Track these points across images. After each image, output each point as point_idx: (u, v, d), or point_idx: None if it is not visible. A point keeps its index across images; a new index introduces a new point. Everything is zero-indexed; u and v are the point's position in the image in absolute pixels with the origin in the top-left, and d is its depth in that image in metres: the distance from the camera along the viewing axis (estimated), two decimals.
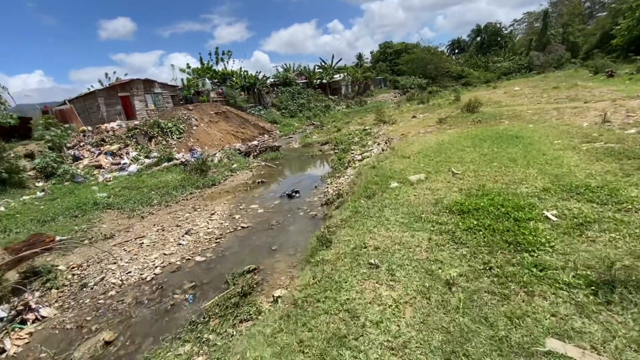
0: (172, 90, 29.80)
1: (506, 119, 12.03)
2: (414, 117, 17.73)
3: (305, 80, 39.52)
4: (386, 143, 12.21)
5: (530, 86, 23.60)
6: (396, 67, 51.40)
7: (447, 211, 4.32)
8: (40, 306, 5.40)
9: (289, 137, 23.28)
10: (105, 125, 20.17)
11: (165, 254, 6.77)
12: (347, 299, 2.72)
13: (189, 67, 33.46)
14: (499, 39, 56.65)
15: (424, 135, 11.50)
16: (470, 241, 3.46)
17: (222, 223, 8.14)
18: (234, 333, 3.98)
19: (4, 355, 4.48)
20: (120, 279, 6.00)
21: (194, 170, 13.41)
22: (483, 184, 5.20)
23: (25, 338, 4.80)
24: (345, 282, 2.99)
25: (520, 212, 3.84)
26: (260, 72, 34.24)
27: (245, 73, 33.74)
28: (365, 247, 3.67)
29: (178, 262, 6.41)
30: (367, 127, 18.29)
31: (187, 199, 10.89)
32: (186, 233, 7.67)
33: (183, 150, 17.93)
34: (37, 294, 5.84)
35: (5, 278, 5.68)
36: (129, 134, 18.89)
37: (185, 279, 5.81)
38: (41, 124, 18.05)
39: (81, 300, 5.59)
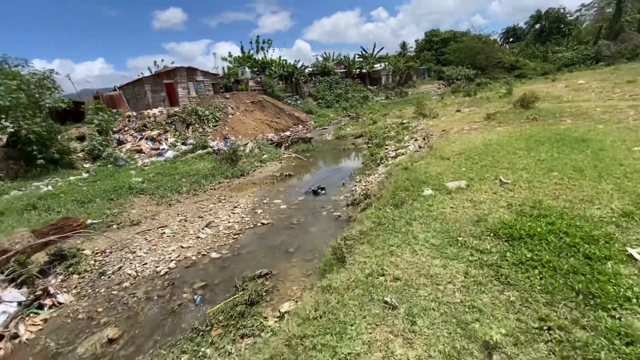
0: (213, 78, 30.43)
1: (568, 117, 10.43)
2: (458, 111, 16.27)
3: (344, 70, 38.48)
4: (424, 140, 11.19)
5: (598, 79, 20.69)
6: (442, 57, 48.23)
7: (492, 235, 3.50)
8: (59, 292, 5.46)
9: (323, 129, 22.72)
10: (148, 111, 21.00)
11: (182, 247, 6.63)
12: (350, 353, 2.13)
13: (230, 55, 33.95)
14: (561, 26, 50.84)
15: (469, 132, 10.32)
16: (522, 282, 2.65)
17: (243, 217, 7.87)
18: (232, 351, 3.61)
19: (17, 341, 4.53)
20: (135, 270, 5.93)
21: (224, 159, 13.39)
22: (540, 199, 4.26)
23: (39, 324, 4.83)
24: (351, 326, 2.38)
25: (592, 246, 2.92)
26: (299, 61, 33.89)
27: (284, 62, 33.52)
28: (382, 275, 3.02)
29: (193, 257, 6.21)
30: (405, 121, 17.14)
31: (214, 189, 10.84)
32: (206, 226, 7.51)
33: (218, 138, 18.13)
34: (60, 277, 5.95)
35: (30, 261, 5.84)
36: (169, 121, 19.48)
37: (197, 276, 5.58)
38: (91, 109, 19.15)
39: (97, 289, 5.58)
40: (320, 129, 22.66)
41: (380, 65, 42.08)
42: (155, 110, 21.27)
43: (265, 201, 8.88)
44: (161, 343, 4.11)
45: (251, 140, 17.00)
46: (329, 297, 2.75)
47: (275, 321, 3.89)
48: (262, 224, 7.37)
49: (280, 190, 9.84)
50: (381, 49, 43.14)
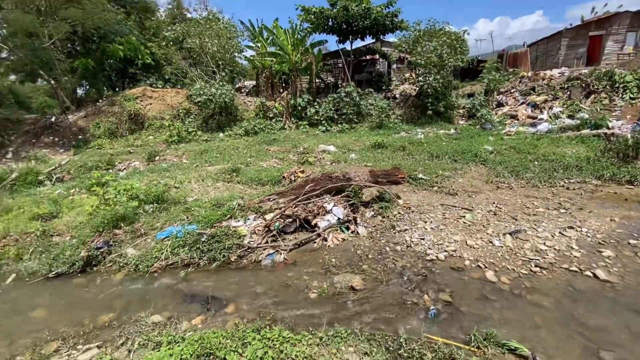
0: None
1: None
2: None
3: None
4: None
5: None
6: None
7: None
8: (361, 225, 6.79)
9: None
10: (545, 72, 18.05)
11: (466, 243, 5.69)
12: None
13: None
14: None
15: None
16: None
17: (571, 248, 5.22)
18: None
19: (324, 243, 6.32)
20: (411, 239, 5.98)
21: (615, 150, 9.11)
22: None
23: (339, 240, 6.38)
24: None
25: None
26: None
27: None
28: None
29: (467, 262, 5.18)
30: None
31: (568, 188, 7.96)
32: (512, 233, 5.81)
33: (628, 117, 12.37)
34: (371, 213, 7.32)
35: (361, 193, 7.53)
36: (565, 85, 15.76)
37: (452, 286, 4.67)
38: (487, 68, 19.47)
39: (381, 238, 6.30)
40: None
41: None
42: (555, 71, 17.85)
43: (635, 242, 5.21)
44: (380, 325, 4.01)
45: None
46: None
47: None
48: (594, 275, 4.48)
49: None
50: None
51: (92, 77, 20.88)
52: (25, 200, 8.71)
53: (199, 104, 18.30)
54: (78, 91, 23.08)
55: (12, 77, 22.73)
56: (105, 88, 23.27)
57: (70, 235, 6.72)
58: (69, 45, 20.61)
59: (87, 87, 24.08)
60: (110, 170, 12.03)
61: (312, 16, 18.85)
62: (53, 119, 18.56)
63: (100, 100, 19.55)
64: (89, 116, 18.69)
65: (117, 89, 23.89)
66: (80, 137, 17.61)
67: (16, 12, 15.86)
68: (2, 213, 7.82)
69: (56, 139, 17.47)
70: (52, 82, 18.82)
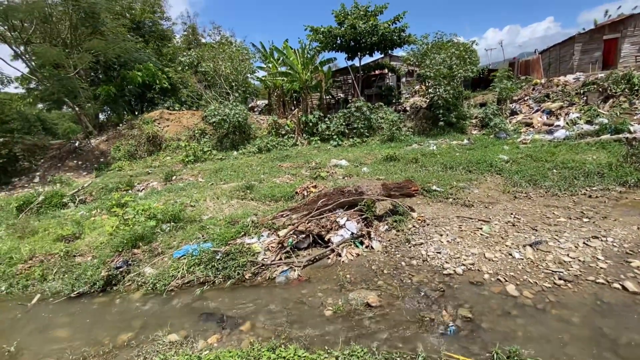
0: None
1: None
2: None
3: None
4: None
5: None
6: None
7: None
8: (375, 239, 6.71)
9: None
10: (559, 78, 17.76)
11: (484, 256, 5.52)
12: None
13: None
14: None
15: None
16: None
17: (597, 258, 4.99)
18: None
19: (338, 259, 6.26)
20: (427, 253, 5.86)
21: (637, 155, 8.76)
22: None
23: (353, 255, 6.31)
24: None
25: None
26: None
27: None
28: None
29: (486, 275, 5.02)
30: None
31: (590, 196, 7.67)
32: (532, 244, 5.62)
33: None
34: (385, 227, 7.24)
35: (374, 206, 7.49)
36: (581, 91, 15.42)
37: (471, 301, 4.51)
38: (498, 76, 19.31)
39: (396, 253, 6.20)
40: None
41: None
42: (570, 77, 17.52)
43: None
44: (397, 343, 3.92)
45: None
46: None
47: None
48: (623, 288, 4.26)
49: None
50: None
51: (113, 102, 21.94)
52: (51, 222, 9.08)
53: (214, 124, 18.84)
54: (100, 116, 24.27)
55: (40, 105, 24.15)
56: (125, 112, 24.36)
57: (92, 256, 6.93)
58: (92, 73, 21.83)
59: (109, 112, 25.28)
60: (130, 191, 12.40)
61: (321, 35, 19.35)
62: (77, 144, 19.49)
63: (121, 125, 20.44)
64: (110, 140, 19.53)
65: (136, 113, 24.96)
66: (101, 160, 18.37)
67: (44, 46, 17.02)
68: (28, 235, 8.17)
69: (80, 163, 18.27)
70: (77, 108, 19.87)
